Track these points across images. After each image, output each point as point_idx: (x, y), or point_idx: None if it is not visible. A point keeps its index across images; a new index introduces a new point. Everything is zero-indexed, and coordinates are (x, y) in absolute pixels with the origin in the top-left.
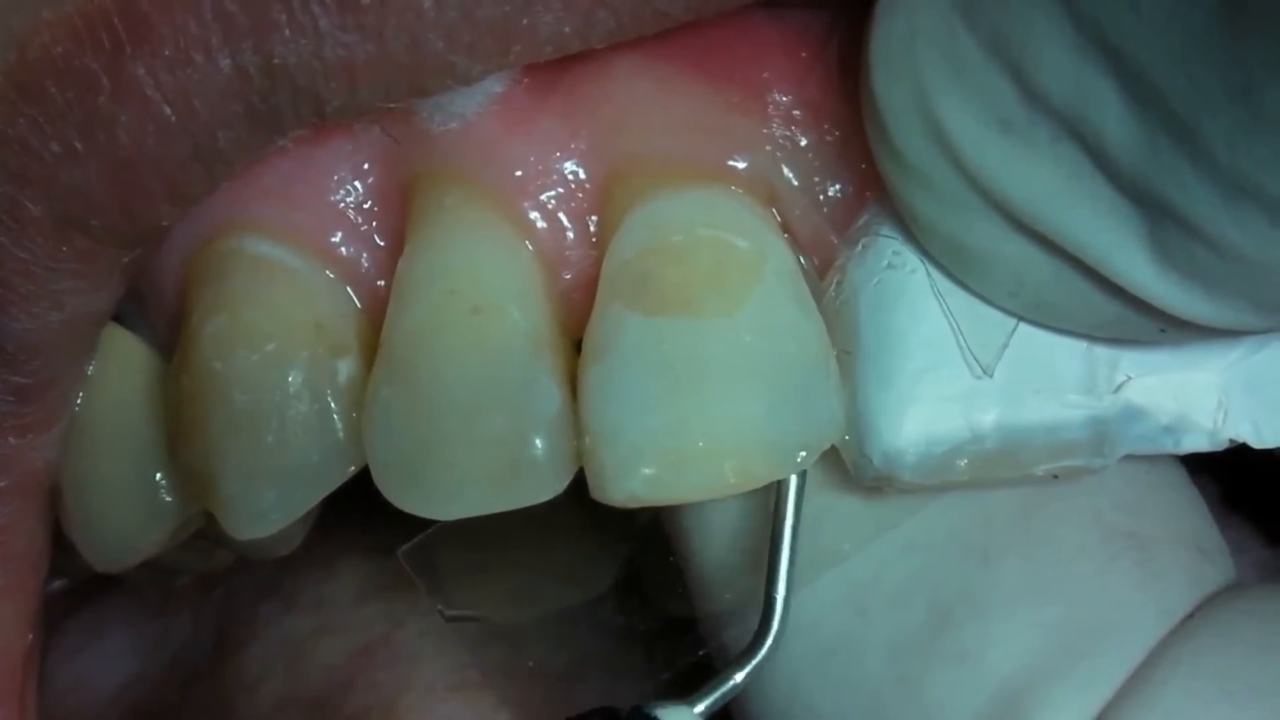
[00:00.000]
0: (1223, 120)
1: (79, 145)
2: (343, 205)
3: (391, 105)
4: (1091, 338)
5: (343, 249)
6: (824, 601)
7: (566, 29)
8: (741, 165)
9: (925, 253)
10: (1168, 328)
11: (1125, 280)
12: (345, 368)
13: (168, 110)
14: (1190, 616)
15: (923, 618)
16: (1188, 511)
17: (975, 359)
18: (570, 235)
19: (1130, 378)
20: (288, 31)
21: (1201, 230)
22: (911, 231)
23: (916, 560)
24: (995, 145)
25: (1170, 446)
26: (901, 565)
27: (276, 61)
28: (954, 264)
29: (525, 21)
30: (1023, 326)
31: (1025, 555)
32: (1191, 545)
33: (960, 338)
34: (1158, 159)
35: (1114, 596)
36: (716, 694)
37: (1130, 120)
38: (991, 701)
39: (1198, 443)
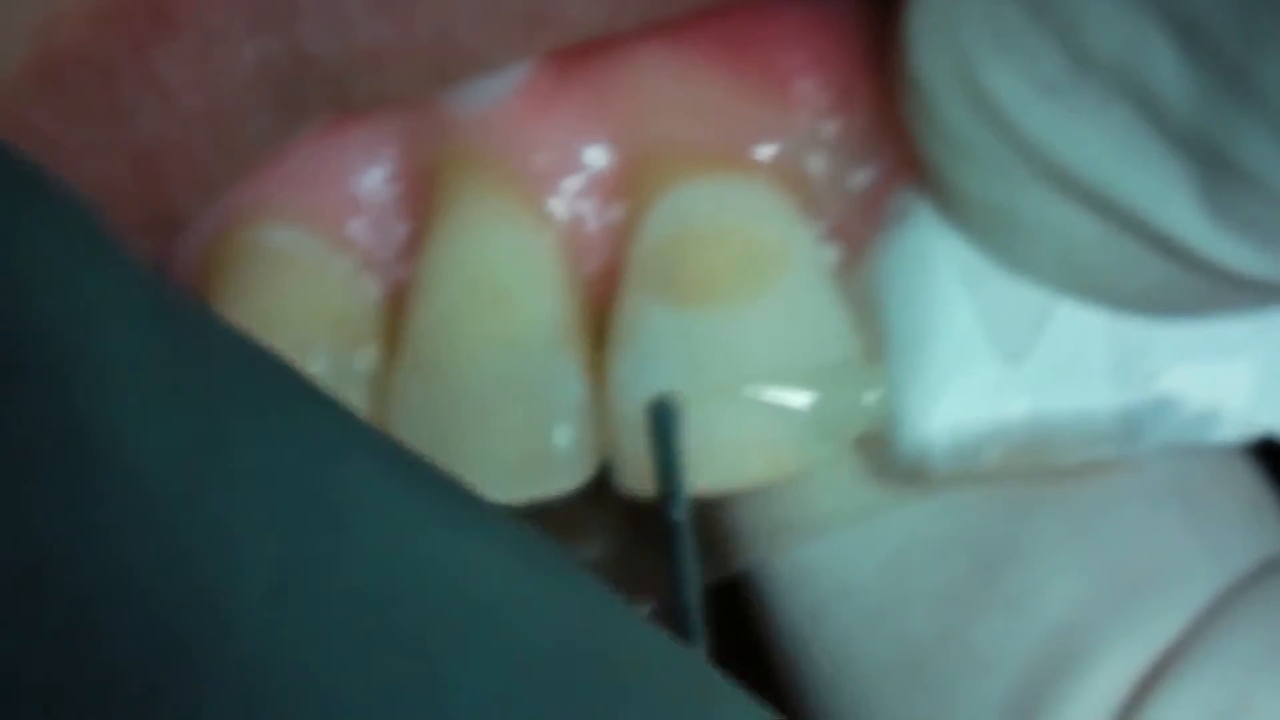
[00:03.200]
0: (1277, 59)
1: (100, 135)
2: (362, 193)
3: (417, 93)
4: (1129, 311)
5: (362, 237)
6: (863, 567)
7: (595, 15)
8: (767, 153)
9: (954, 241)
10: (1218, 291)
11: (1178, 236)
12: (364, 358)
13: (191, 100)
14: (1269, 567)
15: (966, 571)
16: (1239, 471)
17: (1006, 347)
18: (593, 223)
19: (1161, 367)
20: (314, 20)
21: (1256, 177)
22: (942, 218)
23: (955, 518)
24: (1042, 109)
25: (1201, 437)
26: (941, 524)
27: (302, 50)
28: (997, 236)
29: (554, 8)
30: (1053, 317)
31: (1066, 504)
32: (1244, 500)
33: (990, 327)
34: (1212, 107)
35: (1163, 537)
36: None
37: (1184, 70)
38: (1043, 645)
39: (1230, 433)
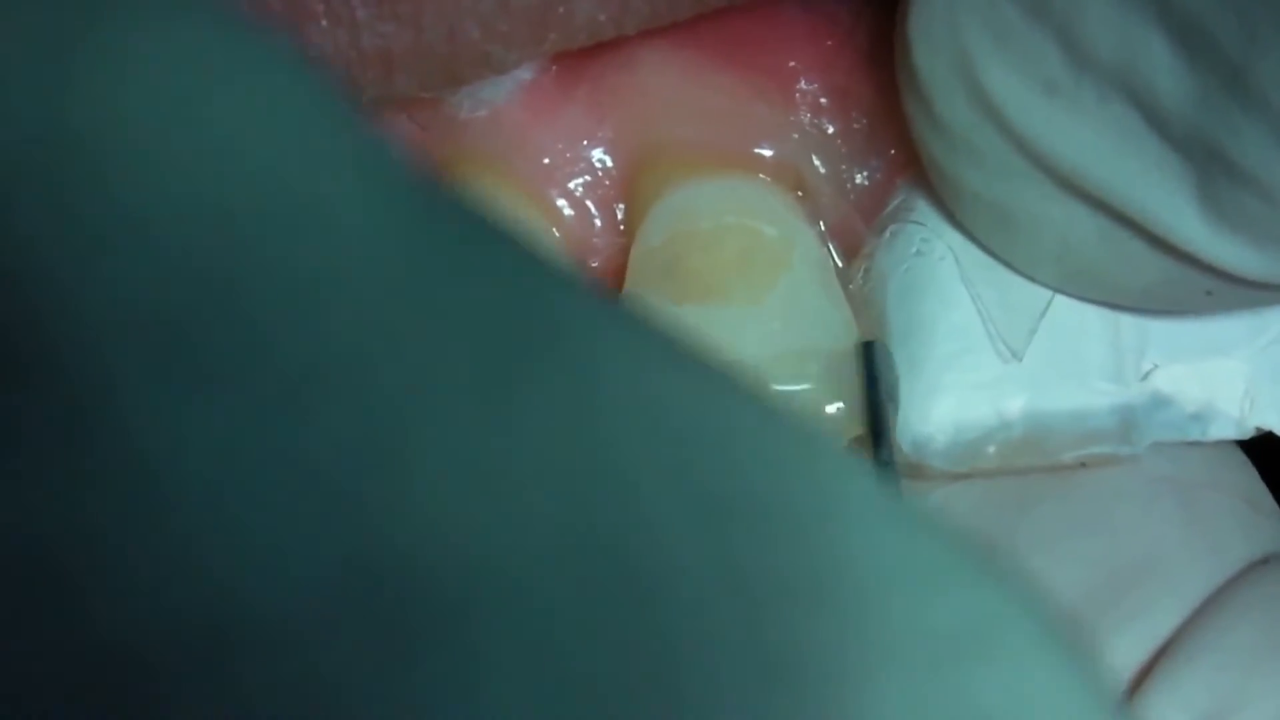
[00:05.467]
0: (1273, 59)
1: None
2: None
3: (425, 94)
4: (1123, 310)
5: None
6: None
7: (602, 17)
8: (768, 153)
9: (954, 239)
10: (1215, 289)
11: (1175, 235)
12: None
13: None
14: (1263, 562)
15: None
16: (1234, 467)
17: (1004, 345)
18: (598, 223)
19: (1157, 365)
20: (324, 21)
21: (1252, 177)
22: (941, 217)
23: (952, 513)
24: (1041, 108)
25: (1197, 434)
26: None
27: (313, 51)
28: (997, 234)
29: (561, 10)
30: (1051, 315)
31: (1062, 499)
32: (1239, 496)
33: (989, 324)
34: (1208, 107)
35: (1158, 532)
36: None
37: (1180, 70)
38: None
39: (1225, 431)
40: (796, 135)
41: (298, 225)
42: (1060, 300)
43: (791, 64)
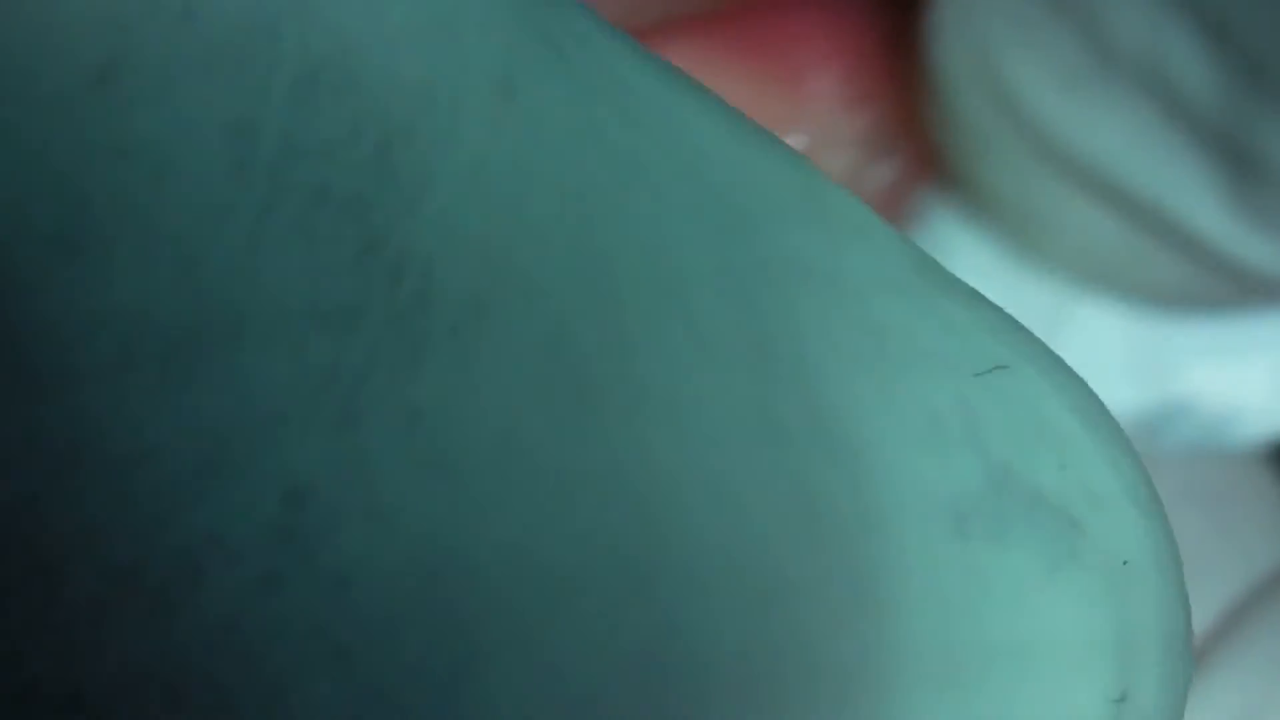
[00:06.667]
0: None
1: None
2: None
3: None
4: (1147, 310)
5: None
6: None
7: (613, 10)
8: None
9: (972, 237)
10: (1241, 289)
11: (1200, 234)
12: None
13: None
14: None
15: None
16: (1260, 472)
17: None
18: None
19: (1181, 368)
20: None
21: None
22: (960, 214)
23: None
24: (1065, 105)
25: (1222, 438)
26: None
27: None
28: (1017, 232)
29: None
30: (1071, 315)
31: None
32: (1264, 501)
33: None
34: (1236, 103)
35: (1182, 541)
36: None
37: (1207, 65)
38: None
39: (1250, 435)
40: (812, 130)
41: None
42: (1080, 303)
43: (807, 58)
